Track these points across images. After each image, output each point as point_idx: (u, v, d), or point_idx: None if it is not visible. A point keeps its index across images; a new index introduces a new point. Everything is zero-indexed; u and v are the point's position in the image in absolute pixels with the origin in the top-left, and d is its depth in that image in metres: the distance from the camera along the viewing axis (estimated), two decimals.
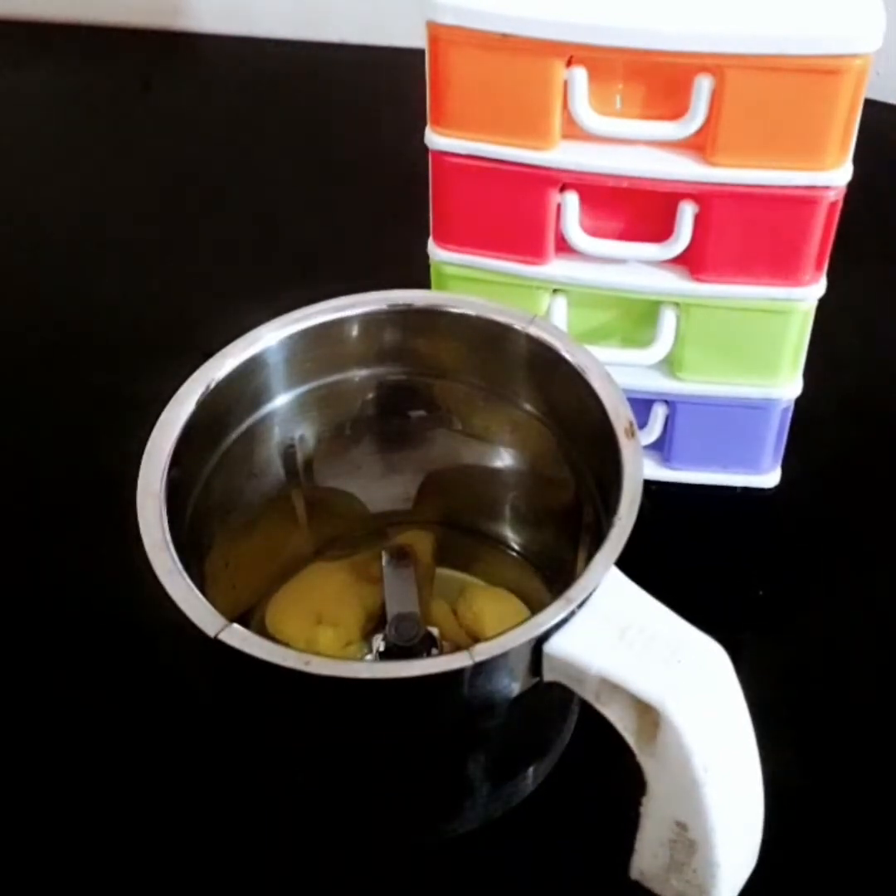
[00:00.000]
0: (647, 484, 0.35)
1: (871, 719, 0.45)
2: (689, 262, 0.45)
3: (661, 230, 0.44)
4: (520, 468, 0.44)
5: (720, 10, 0.40)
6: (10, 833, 0.42)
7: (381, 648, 0.42)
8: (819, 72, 0.39)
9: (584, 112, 0.42)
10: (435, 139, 0.44)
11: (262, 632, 0.42)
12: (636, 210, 0.44)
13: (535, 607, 0.34)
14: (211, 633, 0.32)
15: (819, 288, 0.45)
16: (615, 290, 0.46)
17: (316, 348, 0.41)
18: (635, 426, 0.37)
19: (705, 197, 0.43)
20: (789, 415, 0.50)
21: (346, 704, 0.35)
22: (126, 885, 0.41)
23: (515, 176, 0.44)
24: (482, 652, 0.32)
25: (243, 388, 0.40)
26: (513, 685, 0.34)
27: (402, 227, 0.52)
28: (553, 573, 0.45)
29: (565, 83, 0.41)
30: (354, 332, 0.41)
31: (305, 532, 0.45)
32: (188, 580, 0.33)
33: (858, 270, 0.55)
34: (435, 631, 0.43)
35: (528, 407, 0.42)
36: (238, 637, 0.32)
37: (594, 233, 0.45)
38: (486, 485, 0.46)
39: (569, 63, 0.41)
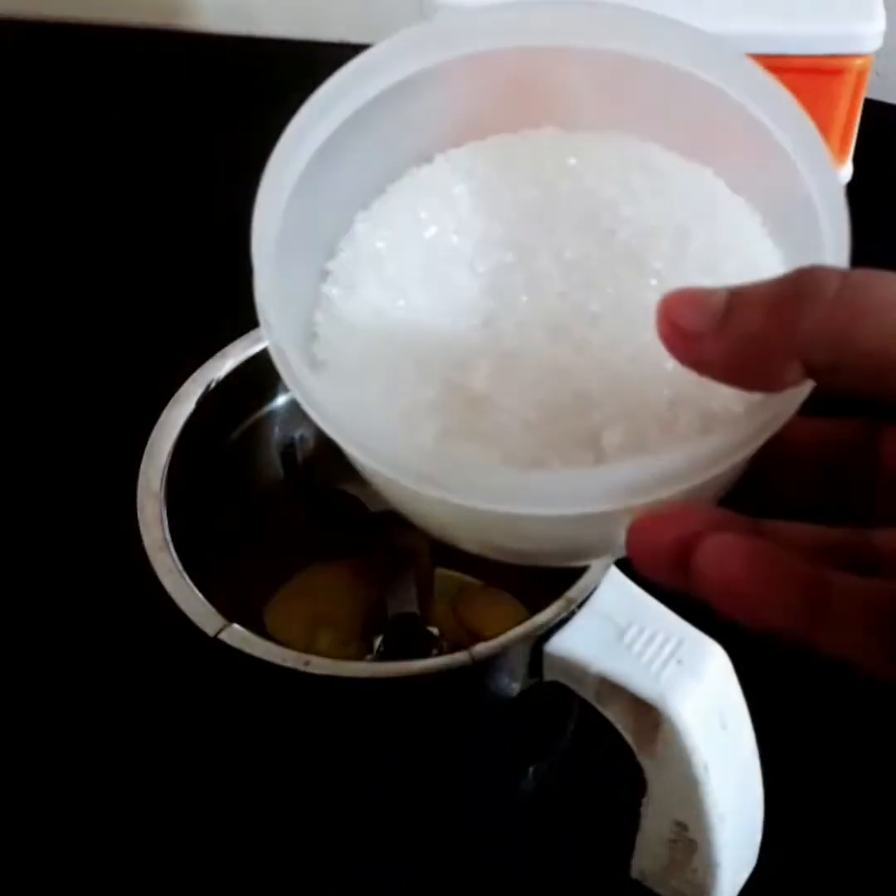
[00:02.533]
0: None
1: (872, 720, 0.45)
2: None
3: None
4: None
5: (720, 11, 0.40)
6: (10, 833, 0.42)
7: (381, 649, 0.42)
8: (819, 72, 0.39)
9: None
10: None
11: (262, 632, 0.42)
12: None
13: (535, 607, 0.34)
14: (211, 632, 0.32)
15: None
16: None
17: None
18: None
19: None
20: None
21: (346, 705, 0.35)
22: (126, 885, 0.41)
23: None
24: (482, 652, 0.32)
25: (243, 388, 0.40)
26: (513, 685, 0.34)
27: None
28: (553, 573, 0.45)
29: None
30: None
31: (305, 532, 0.45)
32: (188, 580, 0.33)
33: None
34: (435, 631, 0.43)
35: None
36: (238, 637, 0.32)
37: None
38: None
39: None
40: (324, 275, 0.27)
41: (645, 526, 0.21)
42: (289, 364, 0.24)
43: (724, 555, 0.20)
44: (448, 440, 0.24)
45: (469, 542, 0.26)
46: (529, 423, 0.24)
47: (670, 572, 0.21)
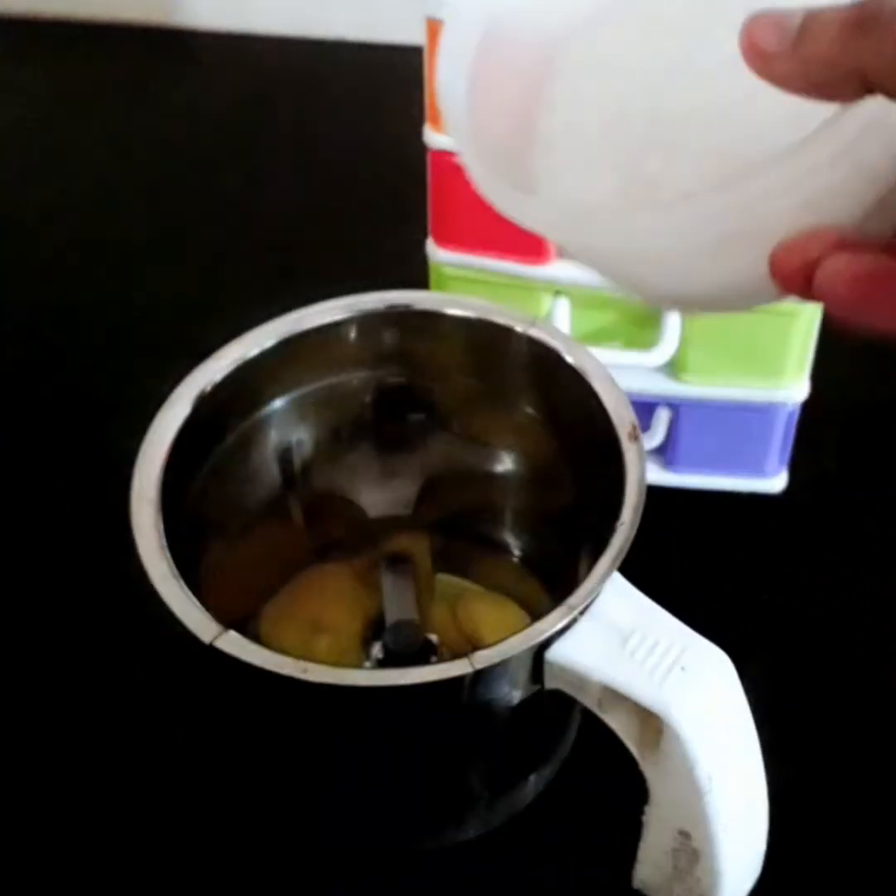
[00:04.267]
0: (650, 488, 0.35)
1: (877, 728, 0.44)
2: None
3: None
4: (521, 472, 0.44)
5: None
6: (10, 834, 0.42)
7: (380, 655, 0.42)
8: None
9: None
10: (434, 137, 0.43)
11: (259, 638, 0.42)
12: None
13: (536, 614, 0.33)
14: (207, 639, 0.32)
15: None
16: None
17: (313, 350, 0.41)
18: (638, 429, 0.36)
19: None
20: (795, 418, 0.49)
21: (345, 712, 0.35)
22: (125, 886, 0.40)
23: None
24: (482, 659, 0.32)
25: (239, 391, 0.40)
26: (513, 693, 0.34)
27: (401, 227, 0.51)
28: (554, 579, 0.45)
29: None
30: (352, 333, 0.41)
31: (303, 537, 0.45)
32: (184, 586, 0.33)
33: None
34: (434, 638, 0.42)
35: (529, 410, 0.42)
36: (234, 644, 0.32)
37: None
38: (486, 489, 0.45)
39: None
40: None
41: (787, 246, 0.24)
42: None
43: (837, 271, 0.24)
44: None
45: (640, 286, 0.30)
46: (693, 195, 0.26)
47: (804, 290, 0.24)
